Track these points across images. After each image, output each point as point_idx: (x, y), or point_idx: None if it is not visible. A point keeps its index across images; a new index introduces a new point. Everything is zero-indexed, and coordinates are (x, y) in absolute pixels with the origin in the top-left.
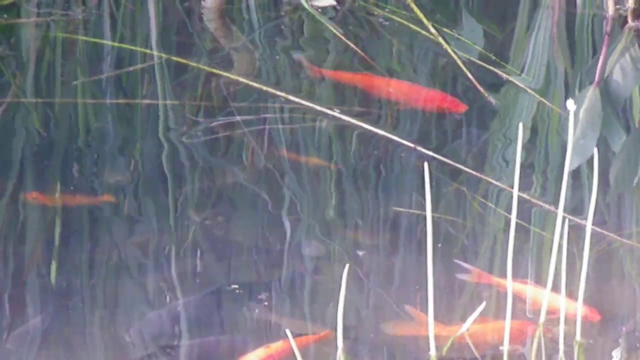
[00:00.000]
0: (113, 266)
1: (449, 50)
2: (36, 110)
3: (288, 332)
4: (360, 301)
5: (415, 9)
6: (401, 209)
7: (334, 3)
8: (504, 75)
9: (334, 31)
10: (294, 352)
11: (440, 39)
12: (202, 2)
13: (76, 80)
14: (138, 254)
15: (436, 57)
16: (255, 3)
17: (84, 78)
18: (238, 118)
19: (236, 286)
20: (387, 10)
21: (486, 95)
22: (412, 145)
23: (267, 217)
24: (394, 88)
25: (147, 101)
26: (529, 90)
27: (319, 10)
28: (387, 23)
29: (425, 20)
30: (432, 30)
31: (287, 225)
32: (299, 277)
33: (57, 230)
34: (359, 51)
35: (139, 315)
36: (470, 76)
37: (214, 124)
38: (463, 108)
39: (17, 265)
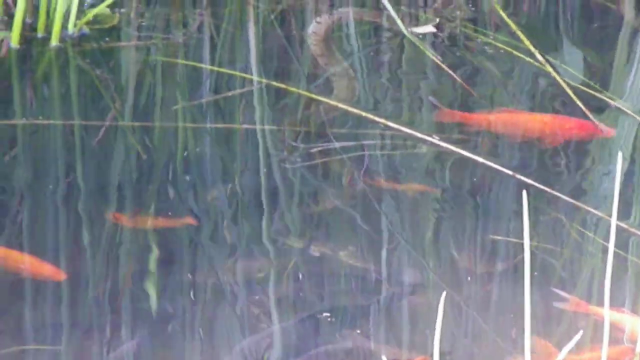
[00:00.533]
0: (208, 291)
1: (557, 78)
2: (135, 133)
3: (384, 358)
4: (457, 328)
5: (521, 35)
6: (499, 237)
7: (434, 30)
8: (610, 102)
9: (434, 58)
10: None
11: (548, 66)
12: (309, 28)
13: (175, 104)
14: (233, 279)
15: (539, 83)
16: (356, 30)
17: (183, 102)
18: (337, 144)
19: (332, 312)
20: (488, 36)
21: (597, 123)
22: (510, 172)
23: (364, 243)
24: (537, 122)
25: (246, 126)
26: (635, 115)
27: (419, 36)
28: (488, 49)
29: (531, 47)
30: (539, 56)
31: (384, 251)
32: (395, 303)
33: (153, 253)
34: (458, 79)
35: (234, 341)
36: (579, 103)
37: (313, 149)
38: (612, 132)
39: (112, 288)
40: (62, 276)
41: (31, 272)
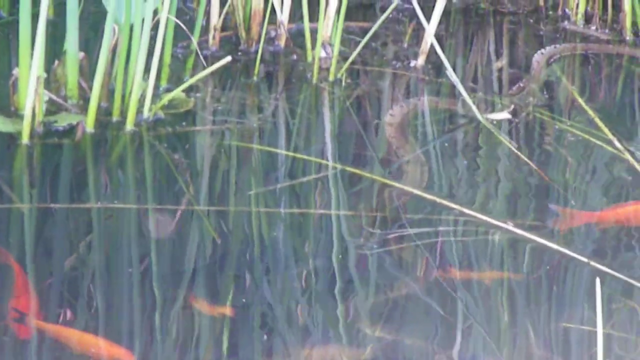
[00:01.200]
0: None
1: (637, 166)
2: (209, 218)
3: None
4: None
5: (599, 122)
6: (571, 325)
7: (510, 116)
8: None
9: (508, 144)
10: None
11: (627, 153)
12: (385, 118)
13: (250, 189)
14: None
15: (616, 171)
16: (431, 117)
17: (258, 187)
18: (411, 230)
19: None
20: (564, 123)
21: None
22: (585, 259)
23: (439, 330)
24: None
25: (320, 211)
26: None
27: (494, 123)
28: (563, 135)
29: (609, 134)
30: (617, 144)
31: (459, 338)
32: None
33: (228, 340)
34: (533, 165)
35: None
36: None
37: (388, 235)
38: None
39: None
40: (132, 358)
41: (103, 355)
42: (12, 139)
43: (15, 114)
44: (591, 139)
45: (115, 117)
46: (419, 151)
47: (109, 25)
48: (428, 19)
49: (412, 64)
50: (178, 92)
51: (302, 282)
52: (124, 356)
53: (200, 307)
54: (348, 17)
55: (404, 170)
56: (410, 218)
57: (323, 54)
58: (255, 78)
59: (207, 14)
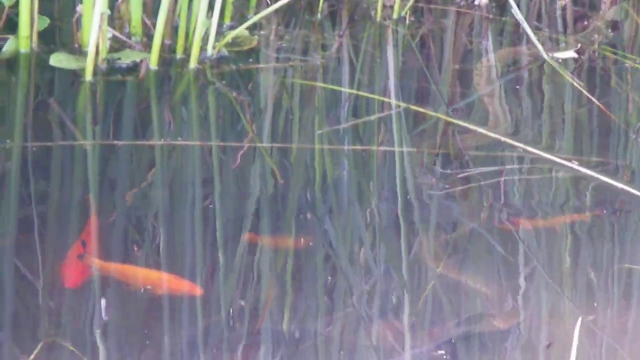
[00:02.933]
0: (343, 313)
1: None
2: (272, 156)
3: None
4: (592, 357)
5: None
6: (634, 266)
7: (575, 55)
8: None
9: (574, 83)
10: None
11: None
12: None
13: (313, 127)
14: (369, 302)
15: None
16: (496, 56)
17: (321, 125)
18: (475, 170)
19: (467, 338)
20: (634, 61)
21: None
22: None
23: (501, 268)
24: None
25: (383, 148)
26: None
27: (559, 61)
28: (630, 73)
29: None
30: None
31: (521, 277)
32: (532, 330)
33: (290, 276)
34: (598, 103)
35: None
36: None
37: (451, 174)
38: None
39: (247, 306)
40: (199, 291)
41: (170, 289)
42: (75, 76)
43: (78, 51)
44: None
45: (178, 55)
46: (484, 90)
47: None
48: None
49: (476, 2)
50: (242, 30)
51: (365, 218)
52: (192, 289)
53: (263, 242)
54: None
55: (469, 109)
56: (474, 156)
57: None
58: (319, 15)
59: None
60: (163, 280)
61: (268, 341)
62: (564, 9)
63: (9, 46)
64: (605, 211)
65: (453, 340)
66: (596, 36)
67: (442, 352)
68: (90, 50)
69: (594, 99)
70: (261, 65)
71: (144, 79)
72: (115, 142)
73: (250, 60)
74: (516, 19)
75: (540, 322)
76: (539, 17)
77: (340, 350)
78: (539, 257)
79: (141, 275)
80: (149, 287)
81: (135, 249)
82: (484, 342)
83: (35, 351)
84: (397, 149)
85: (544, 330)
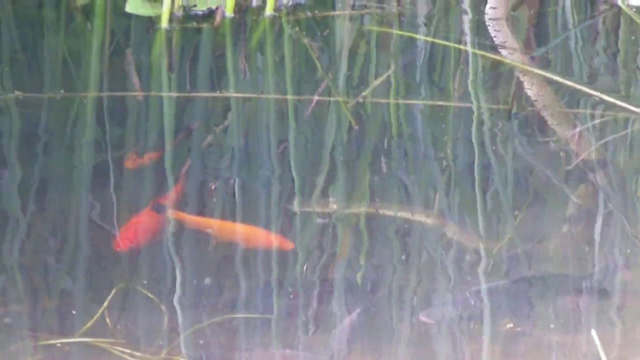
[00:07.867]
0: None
1: None
2: (347, 105)
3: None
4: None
5: None
6: None
7: None
8: None
9: None
10: None
11: None
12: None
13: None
14: (447, 247)
15: None
16: (571, 3)
17: (397, 76)
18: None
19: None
20: None
21: None
22: None
23: (571, 213)
24: None
25: (458, 104)
26: None
27: (633, 9)
28: None
29: None
30: None
31: (597, 225)
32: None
33: (365, 225)
34: None
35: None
36: None
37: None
38: None
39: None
40: (290, 246)
41: (263, 244)
42: (151, 22)
43: None
44: None
45: (255, 2)
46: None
47: None
48: None
49: None
50: None
51: (440, 171)
52: (284, 244)
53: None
54: None
55: (543, 57)
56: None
57: None
58: None
59: None
60: (257, 236)
61: (341, 289)
62: None
63: None
64: None
65: (531, 280)
66: None
67: (520, 289)
68: None
69: None
70: (337, 12)
71: (219, 26)
72: (191, 94)
73: (326, 7)
74: None
75: (617, 270)
76: None
77: (407, 296)
78: (616, 201)
79: (236, 230)
80: (241, 242)
81: (214, 200)
82: (562, 285)
83: (109, 297)
84: (472, 98)
85: (619, 279)
